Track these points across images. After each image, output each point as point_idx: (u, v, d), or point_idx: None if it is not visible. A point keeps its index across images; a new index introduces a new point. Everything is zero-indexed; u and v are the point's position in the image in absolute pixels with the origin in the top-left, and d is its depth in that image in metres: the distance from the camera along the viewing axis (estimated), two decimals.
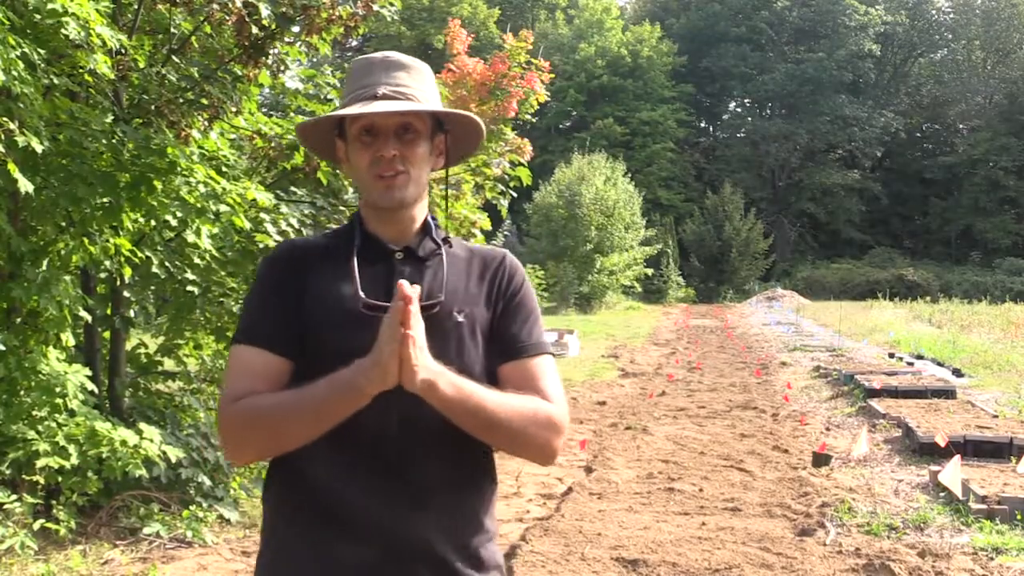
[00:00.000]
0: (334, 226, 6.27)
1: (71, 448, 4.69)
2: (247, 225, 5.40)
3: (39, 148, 4.39)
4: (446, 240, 1.72)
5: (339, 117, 1.66)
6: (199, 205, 5.10)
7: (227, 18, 5.29)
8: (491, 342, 1.68)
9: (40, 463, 4.60)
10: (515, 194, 8.48)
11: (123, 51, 5.04)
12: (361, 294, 1.60)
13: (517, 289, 1.72)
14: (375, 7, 5.61)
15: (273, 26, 5.32)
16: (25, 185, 4.31)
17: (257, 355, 1.60)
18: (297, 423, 1.54)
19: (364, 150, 1.63)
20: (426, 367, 1.46)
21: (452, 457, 1.62)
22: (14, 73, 4.20)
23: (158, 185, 5.04)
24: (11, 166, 4.31)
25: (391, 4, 5.80)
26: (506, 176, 8.16)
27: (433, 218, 1.73)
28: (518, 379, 1.65)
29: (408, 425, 1.59)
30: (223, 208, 5.18)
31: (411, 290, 1.42)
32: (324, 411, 1.51)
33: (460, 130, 1.73)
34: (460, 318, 1.64)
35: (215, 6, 5.19)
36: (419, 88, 1.66)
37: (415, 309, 1.42)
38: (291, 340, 1.60)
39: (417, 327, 1.43)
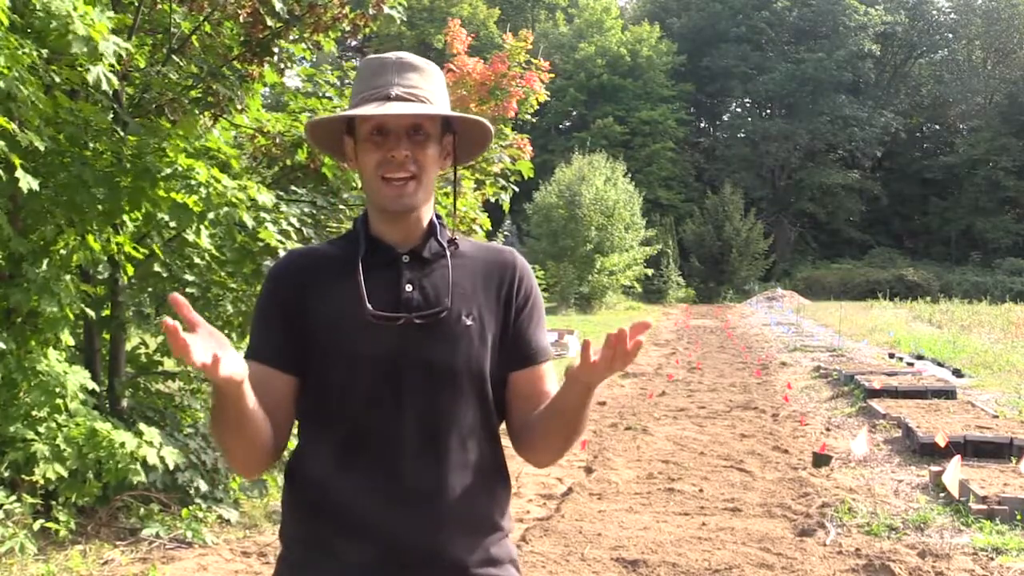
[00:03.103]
0: (333, 224, 6.26)
1: (69, 451, 4.67)
2: (251, 224, 5.38)
3: (41, 146, 4.38)
4: (452, 241, 1.71)
5: (349, 115, 1.66)
6: (199, 210, 5.06)
7: (240, 11, 5.28)
8: (502, 346, 1.69)
9: (38, 471, 4.58)
10: (516, 189, 8.45)
11: (125, 52, 5.03)
12: (369, 306, 1.60)
13: (529, 293, 1.73)
14: (385, 8, 5.60)
15: (278, 24, 5.31)
16: (28, 183, 4.29)
17: (259, 370, 1.61)
18: (217, 430, 1.57)
19: (374, 150, 1.62)
20: None
21: (467, 460, 1.63)
22: (15, 74, 4.19)
23: (161, 184, 5.01)
24: (16, 159, 4.30)
25: (401, 4, 5.78)
26: (507, 171, 8.13)
27: (439, 217, 1.72)
28: (526, 384, 1.70)
29: (423, 428, 1.60)
30: (225, 211, 5.15)
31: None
32: (218, 413, 1.53)
33: (469, 132, 1.73)
34: (469, 321, 1.64)
35: (229, 1, 5.18)
36: (430, 90, 1.65)
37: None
38: (293, 355, 1.63)
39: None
